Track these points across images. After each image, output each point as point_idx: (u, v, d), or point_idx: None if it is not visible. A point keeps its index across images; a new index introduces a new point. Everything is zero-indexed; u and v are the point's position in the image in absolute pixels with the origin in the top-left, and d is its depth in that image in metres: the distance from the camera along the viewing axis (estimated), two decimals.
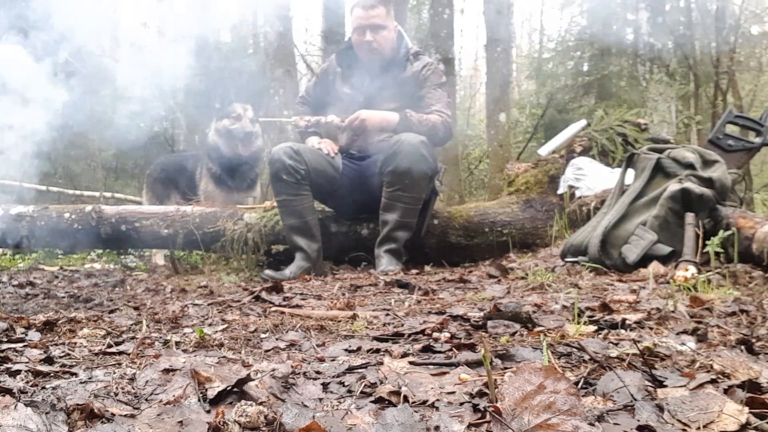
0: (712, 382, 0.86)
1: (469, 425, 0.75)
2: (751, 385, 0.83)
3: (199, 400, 0.84)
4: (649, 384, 0.87)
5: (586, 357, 1.03)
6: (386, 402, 0.85)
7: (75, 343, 1.27)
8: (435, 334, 1.29)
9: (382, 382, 0.92)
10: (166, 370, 0.98)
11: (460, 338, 1.26)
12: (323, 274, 2.98)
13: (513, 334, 1.27)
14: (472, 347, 1.16)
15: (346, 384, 0.94)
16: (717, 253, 2.16)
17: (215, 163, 4.09)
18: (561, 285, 2.05)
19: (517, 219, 3.47)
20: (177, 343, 1.27)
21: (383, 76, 3.32)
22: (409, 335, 1.31)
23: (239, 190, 4.16)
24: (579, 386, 0.89)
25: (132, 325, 1.51)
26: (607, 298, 1.66)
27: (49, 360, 1.10)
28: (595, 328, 1.29)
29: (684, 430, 0.72)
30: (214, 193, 4.09)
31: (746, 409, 0.74)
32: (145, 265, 4.31)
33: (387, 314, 1.60)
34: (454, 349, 1.15)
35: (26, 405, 0.77)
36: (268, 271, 3.01)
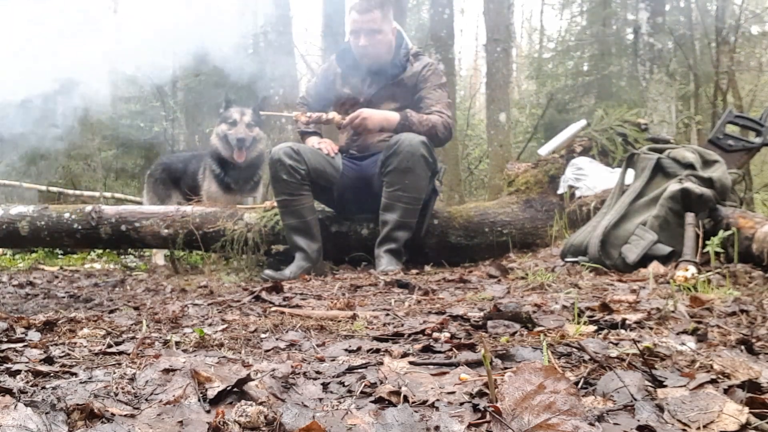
0: (712, 382, 0.86)
1: (469, 425, 0.75)
2: (751, 385, 0.83)
3: (199, 400, 0.84)
4: (649, 384, 0.87)
5: (586, 357, 1.03)
6: (386, 402, 0.85)
7: (75, 343, 1.27)
8: (435, 334, 1.29)
9: (382, 382, 0.92)
10: (166, 370, 0.98)
11: (460, 338, 1.25)
12: (323, 274, 2.98)
13: (513, 334, 1.27)
14: (472, 347, 1.16)
15: (346, 384, 0.94)
16: (717, 253, 2.16)
17: (218, 165, 4.10)
18: (561, 285, 2.05)
19: (517, 219, 3.46)
20: (177, 343, 1.27)
21: (383, 76, 3.32)
22: (409, 335, 1.31)
23: (242, 192, 4.19)
24: (579, 386, 0.89)
25: (132, 325, 1.51)
26: (607, 298, 1.66)
27: (49, 360, 1.10)
28: (595, 328, 1.29)
29: (684, 430, 0.72)
30: (217, 194, 4.11)
31: (746, 409, 0.74)
32: (145, 265, 4.31)
33: (387, 314, 1.60)
34: (454, 349, 1.15)
35: (26, 405, 0.77)
36: (268, 271, 3.01)
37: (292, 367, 1.03)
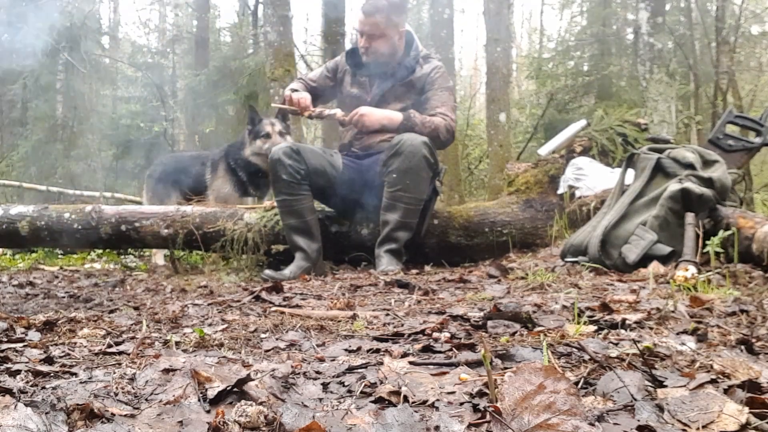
0: (712, 382, 0.86)
1: (469, 425, 0.75)
2: (751, 385, 0.83)
3: (199, 400, 0.84)
4: (649, 384, 0.87)
5: (586, 357, 1.03)
6: (386, 402, 0.85)
7: (75, 343, 1.27)
8: (435, 334, 1.29)
9: (382, 382, 0.92)
10: (166, 370, 0.98)
11: (460, 338, 1.25)
12: (323, 274, 2.98)
13: (513, 334, 1.27)
14: (472, 347, 1.16)
15: (346, 384, 0.94)
16: (717, 253, 2.16)
17: (245, 173, 4.15)
18: (561, 285, 2.05)
19: (517, 219, 3.46)
20: (177, 343, 1.27)
21: (391, 77, 3.35)
22: (409, 335, 1.31)
23: (255, 196, 4.25)
24: (579, 386, 0.89)
25: (132, 325, 1.51)
26: (607, 298, 1.66)
27: (49, 360, 1.10)
28: (595, 328, 1.29)
29: (684, 430, 0.72)
30: (231, 196, 4.17)
31: (746, 409, 0.74)
32: (145, 265, 4.31)
33: (387, 314, 1.60)
34: (454, 349, 1.15)
35: (26, 405, 0.77)
36: (268, 271, 3.01)
37: (292, 367, 1.03)
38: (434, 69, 3.36)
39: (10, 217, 3.68)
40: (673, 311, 1.40)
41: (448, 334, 1.28)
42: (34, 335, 1.36)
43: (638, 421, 0.75)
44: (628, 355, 1.00)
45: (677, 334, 1.22)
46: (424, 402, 0.84)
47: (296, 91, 3.45)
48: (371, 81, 3.42)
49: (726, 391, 0.82)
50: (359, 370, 1.01)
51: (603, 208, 2.71)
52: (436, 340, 1.24)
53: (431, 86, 3.31)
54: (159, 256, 4.42)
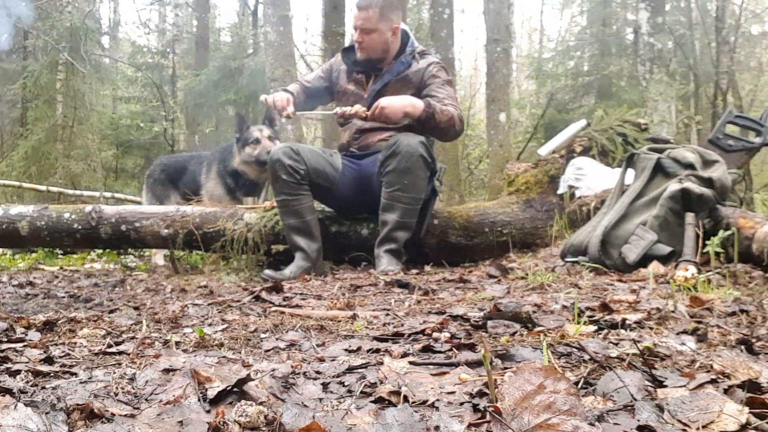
0: (712, 382, 0.86)
1: (469, 425, 0.75)
2: (751, 385, 0.83)
3: (199, 400, 0.84)
4: (649, 384, 0.87)
5: (586, 357, 1.03)
6: (386, 402, 0.85)
7: (75, 343, 1.27)
8: (435, 334, 1.29)
9: (382, 382, 0.92)
10: (166, 370, 0.98)
11: (460, 338, 1.25)
12: (323, 274, 2.98)
13: (513, 334, 1.27)
14: (472, 347, 1.16)
15: (346, 384, 0.94)
16: (717, 253, 2.16)
17: (233, 180, 4.22)
18: (561, 285, 2.05)
19: (517, 219, 3.46)
20: (177, 343, 1.27)
21: (387, 73, 3.36)
22: (409, 335, 1.31)
23: (246, 196, 4.29)
24: (579, 386, 0.89)
25: (132, 325, 1.51)
26: (607, 298, 1.66)
27: (49, 360, 1.10)
28: (595, 328, 1.29)
29: (684, 430, 0.72)
30: (221, 197, 4.22)
31: (746, 409, 0.74)
32: (145, 265, 4.31)
33: (387, 314, 1.60)
34: (454, 349, 1.15)
35: (26, 405, 0.77)
36: (268, 271, 3.01)
37: (292, 367, 1.03)
38: (432, 64, 3.37)
39: (10, 217, 3.68)
40: (673, 311, 1.40)
41: (448, 334, 1.28)
42: (34, 335, 1.36)
43: (638, 421, 0.75)
44: (628, 355, 1.00)
45: (677, 334, 1.22)
46: (424, 402, 0.84)
47: (287, 91, 3.47)
48: (367, 77, 3.43)
49: (726, 391, 0.82)
50: (359, 370, 1.01)
51: (603, 208, 2.71)
52: (436, 340, 1.24)
53: (433, 80, 3.32)
54: (159, 256, 4.42)
